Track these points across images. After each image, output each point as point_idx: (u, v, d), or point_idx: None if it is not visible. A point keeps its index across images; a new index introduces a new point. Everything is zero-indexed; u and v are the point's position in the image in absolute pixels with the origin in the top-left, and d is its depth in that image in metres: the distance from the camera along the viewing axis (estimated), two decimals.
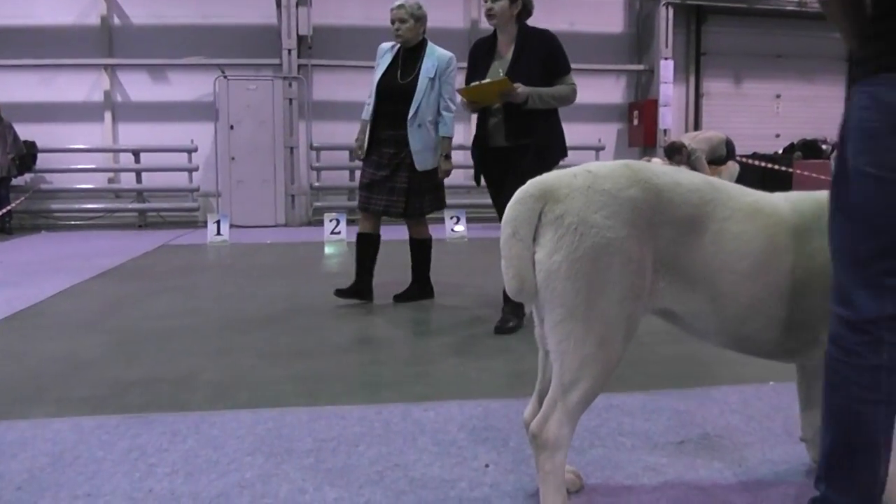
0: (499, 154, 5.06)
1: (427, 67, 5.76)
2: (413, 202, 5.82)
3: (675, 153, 10.82)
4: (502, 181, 5.01)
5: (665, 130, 14.68)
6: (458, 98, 5.25)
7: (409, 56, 5.84)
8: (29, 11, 13.78)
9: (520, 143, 4.94)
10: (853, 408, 1.95)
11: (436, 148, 5.81)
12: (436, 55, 5.80)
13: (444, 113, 5.79)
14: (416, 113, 5.72)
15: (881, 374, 1.93)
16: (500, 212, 5.13)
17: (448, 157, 5.85)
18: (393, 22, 5.81)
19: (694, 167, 10.78)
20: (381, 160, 5.81)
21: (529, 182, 2.26)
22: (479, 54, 5.22)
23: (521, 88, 4.83)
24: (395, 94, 5.77)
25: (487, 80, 4.96)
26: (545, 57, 5.00)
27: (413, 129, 5.74)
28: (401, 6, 5.77)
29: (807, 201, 2.34)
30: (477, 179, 5.32)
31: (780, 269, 2.24)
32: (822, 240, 2.17)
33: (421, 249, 6.13)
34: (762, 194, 2.36)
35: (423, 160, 5.77)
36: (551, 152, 5.01)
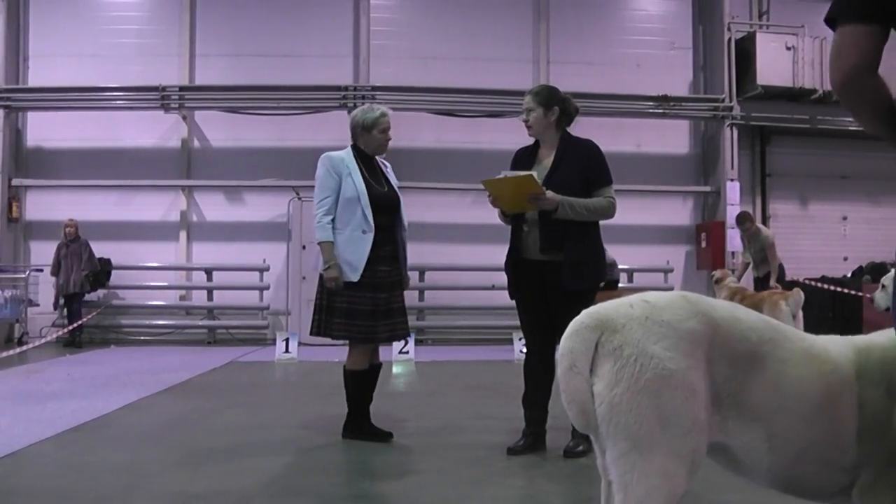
0: (532, 267, 4.84)
1: (392, 175, 5.49)
2: (406, 321, 5.45)
3: (746, 220, 11.22)
4: (535, 297, 4.86)
5: (733, 253, 14.47)
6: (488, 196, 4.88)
7: (369, 165, 5.41)
8: (113, 134, 14.45)
9: (555, 258, 4.72)
10: None
11: None
12: (388, 165, 5.53)
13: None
14: (401, 222, 5.43)
15: None
16: (531, 330, 4.99)
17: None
18: (385, 130, 5.39)
19: (760, 246, 10.95)
20: (375, 281, 5.19)
21: (584, 312, 2.24)
22: (520, 162, 5.01)
23: (550, 194, 4.64)
24: (386, 205, 5.32)
25: (512, 174, 4.74)
26: (585, 166, 4.82)
27: (401, 239, 5.41)
28: (386, 114, 5.43)
29: (860, 348, 2.30)
30: (511, 293, 5.03)
31: (836, 416, 2.20)
32: (875, 389, 2.17)
33: (377, 375, 5.51)
34: (815, 338, 2.34)
35: (406, 271, 5.46)
36: (588, 269, 4.79)
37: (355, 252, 5.17)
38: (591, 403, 2.12)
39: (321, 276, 5.30)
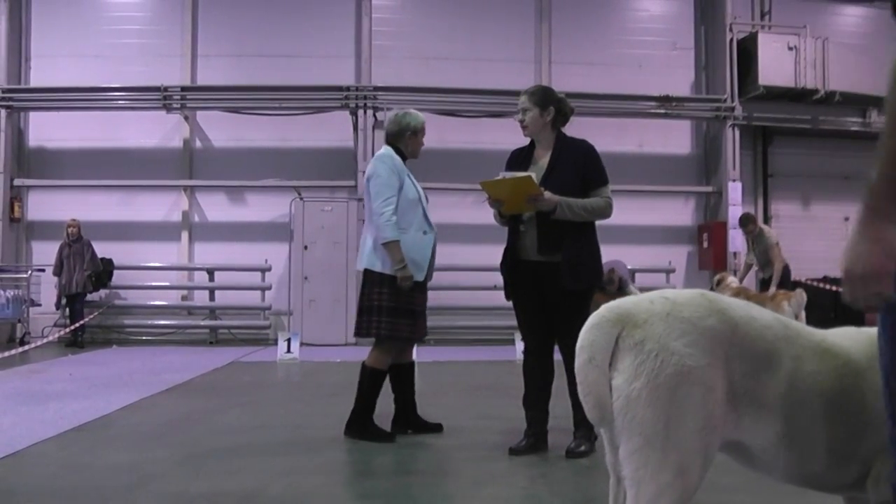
0: (530, 268, 4.81)
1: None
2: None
3: (749, 222, 11.26)
4: (533, 298, 4.84)
5: (735, 253, 14.47)
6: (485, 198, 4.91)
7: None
8: (115, 134, 14.49)
9: (552, 259, 4.70)
10: None
11: None
12: None
13: None
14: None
15: None
16: (529, 331, 4.96)
17: None
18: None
19: (764, 248, 10.98)
20: (426, 282, 5.43)
21: (604, 306, 2.24)
22: (516, 162, 5.00)
23: (548, 195, 4.62)
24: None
25: (510, 175, 4.73)
26: (581, 166, 4.81)
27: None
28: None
29: (871, 338, 2.27)
30: (508, 294, 4.99)
31: (850, 410, 2.21)
32: None
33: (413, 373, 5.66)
34: (825, 334, 2.35)
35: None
36: (586, 269, 4.77)
37: (419, 252, 5.26)
38: (608, 397, 2.13)
39: (369, 273, 5.25)
